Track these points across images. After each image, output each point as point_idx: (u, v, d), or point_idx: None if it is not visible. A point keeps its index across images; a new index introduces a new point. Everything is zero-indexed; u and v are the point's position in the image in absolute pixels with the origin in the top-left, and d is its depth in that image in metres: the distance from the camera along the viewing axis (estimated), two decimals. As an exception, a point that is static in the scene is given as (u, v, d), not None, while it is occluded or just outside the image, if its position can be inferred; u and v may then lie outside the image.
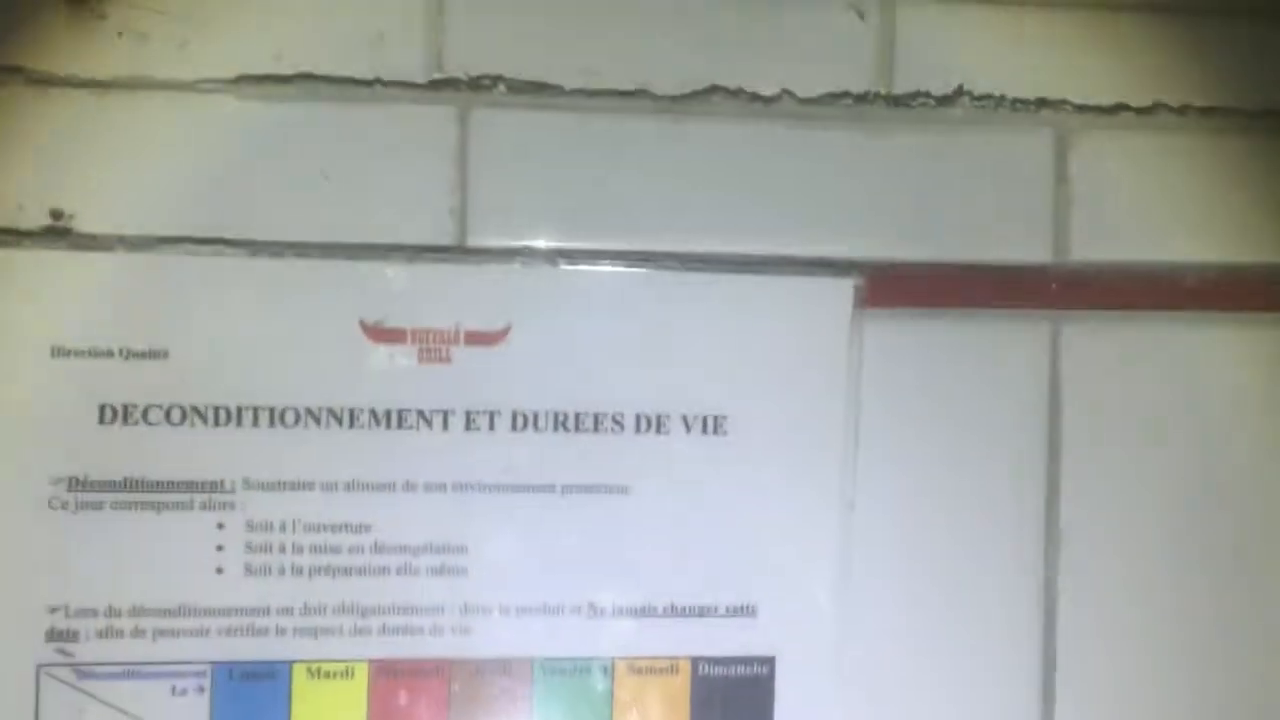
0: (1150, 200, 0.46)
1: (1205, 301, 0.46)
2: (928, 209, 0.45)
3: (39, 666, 0.41)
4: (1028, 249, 0.45)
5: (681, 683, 0.45)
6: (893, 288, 0.45)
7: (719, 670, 0.45)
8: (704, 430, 0.44)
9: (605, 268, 0.43)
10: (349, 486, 0.42)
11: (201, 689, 0.42)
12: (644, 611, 0.44)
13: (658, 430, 0.44)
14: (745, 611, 0.45)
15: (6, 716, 0.40)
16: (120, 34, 0.41)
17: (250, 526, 0.42)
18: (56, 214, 0.41)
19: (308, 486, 0.42)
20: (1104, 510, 0.46)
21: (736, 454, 0.45)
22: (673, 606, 0.44)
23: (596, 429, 0.44)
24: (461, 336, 0.43)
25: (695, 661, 0.45)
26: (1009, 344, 0.46)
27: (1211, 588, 0.46)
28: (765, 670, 0.45)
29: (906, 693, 0.46)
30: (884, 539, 0.45)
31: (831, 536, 0.45)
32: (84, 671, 0.41)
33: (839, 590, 0.45)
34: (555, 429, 0.43)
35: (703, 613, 0.45)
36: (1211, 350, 0.46)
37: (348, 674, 0.43)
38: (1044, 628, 0.46)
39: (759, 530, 0.45)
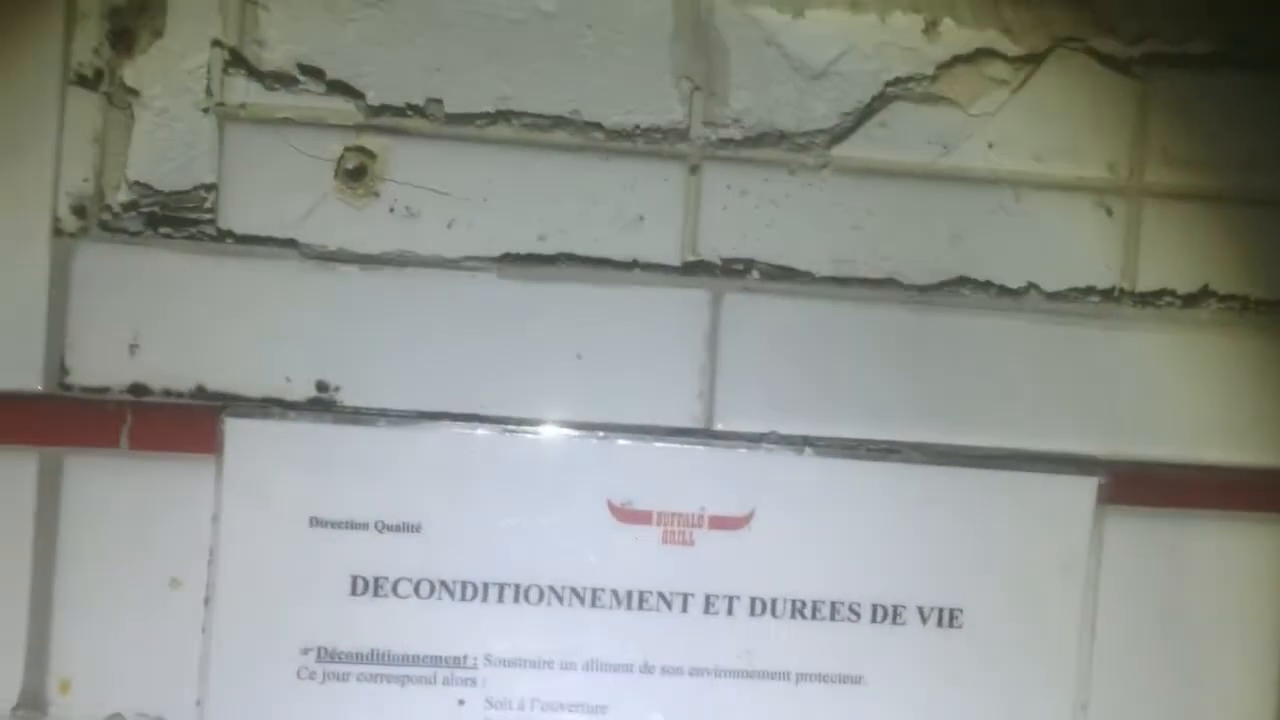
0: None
1: None
2: (1170, 409, 0.49)
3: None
4: (1267, 453, 0.49)
5: None
6: (1135, 487, 0.48)
7: None
8: (939, 623, 0.48)
9: (849, 460, 0.47)
10: (588, 666, 0.46)
11: None
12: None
13: (894, 620, 0.48)
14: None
15: None
16: (391, 210, 0.46)
17: (490, 704, 0.45)
18: (322, 386, 0.45)
19: (548, 665, 0.46)
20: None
21: (971, 648, 0.48)
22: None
23: (834, 617, 0.47)
24: (706, 520, 0.47)
25: None
26: (1243, 546, 0.49)
27: None
28: None
29: None
30: (1116, 741, 0.48)
31: (1063, 736, 0.48)
32: None
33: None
34: (793, 615, 0.47)
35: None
36: None
37: None
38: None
39: (991, 725, 0.48)
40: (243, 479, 0.43)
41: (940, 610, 0.47)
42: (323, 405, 0.44)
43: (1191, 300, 0.48)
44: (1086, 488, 0.47)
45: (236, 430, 0.43)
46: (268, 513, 0.44)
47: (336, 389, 0.44)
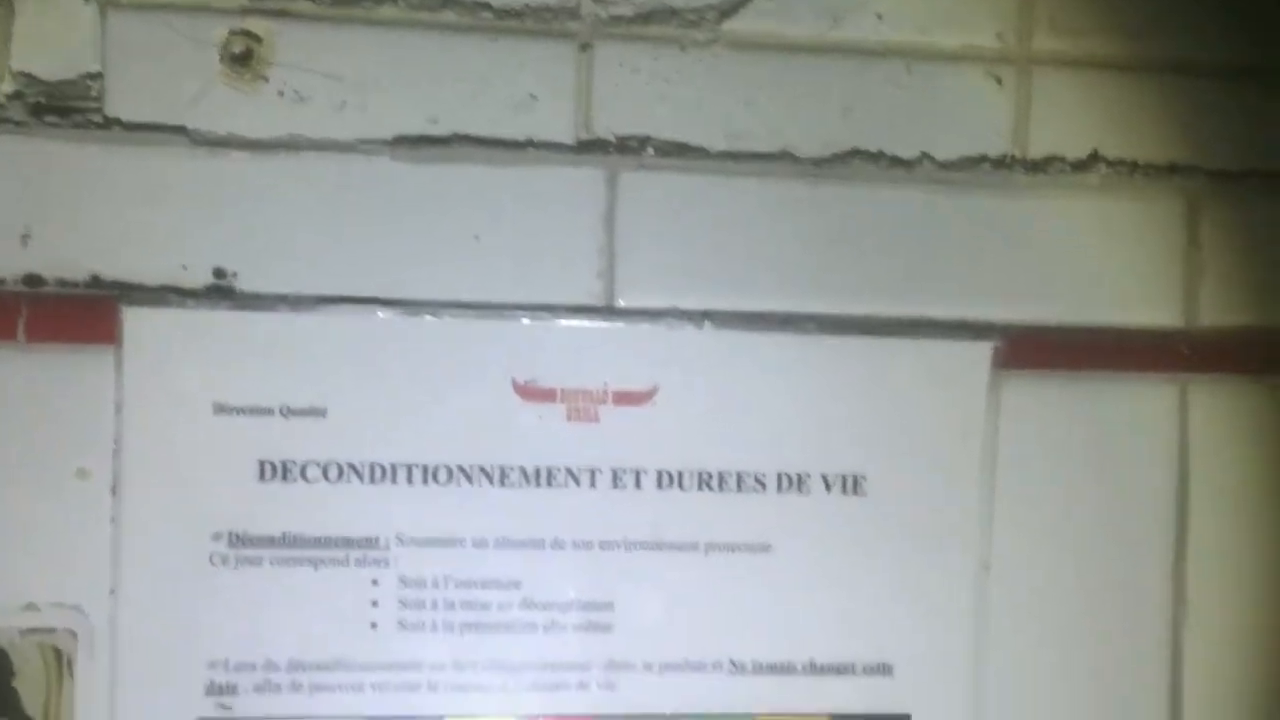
0: (1277, 266, 0.52)
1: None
2: (1063, 273, 0.51)
3: (199, 720, 0.46)
4: (1158, 313, 0.52)
5: (819, 739, 0.50)
6: (1029, 350, 0.51)
7: (855, 726, 0.50)
8: (843, 490, 0.50)
9: (749, 332, 0.49)
10: (499, 543, 0.48)
11: (355, 732, 0.47)
12: (784, 669, 0.50)
13: (799, 489, 0.50)
14: (882, 670, 0.50)
15: (168, 769, 0.45)
16: (280, 94, 0.47)
17: (404, 582, 0.47)
18: (219, 273, 0.46)
19: (459, 543, 0.47)
20: (1230, 572, 0.52)
21: (875, 514, 0.50)
22: (812, 664, 0.50)
23: (740, 488, 0.49)
24: (610, 396, 0.48)
25: (834, 718, 0.50)
26: (1139, 406, 0.52)
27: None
28: (900, 728, 0.51)
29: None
30: (1018, 598, 0.51)
31: (966, 596, 0.51)
32: (242, 726, 0.46)
33: (974, 649, 0.51)
34: (700, 488, 0.49)
35: (841, 670, 0.50)
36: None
37: (498, 730, 0.48)
38: (1170, 685, 0.52)
39: (896, 589, 0.50)
40: (144, 368, 0.44)
41: (844, 478, 0.49)
42: (221, 292, 0.45)
43: (1081, 165, 0.50)
44: (981, 352, 0.49)
45: (135, 319, 0.44)
46: (171, 401, 0.45)
47: (234, 275, 0.45)
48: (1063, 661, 0.50)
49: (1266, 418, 0.50)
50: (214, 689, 0.44)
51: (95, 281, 0.44)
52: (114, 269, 0.44)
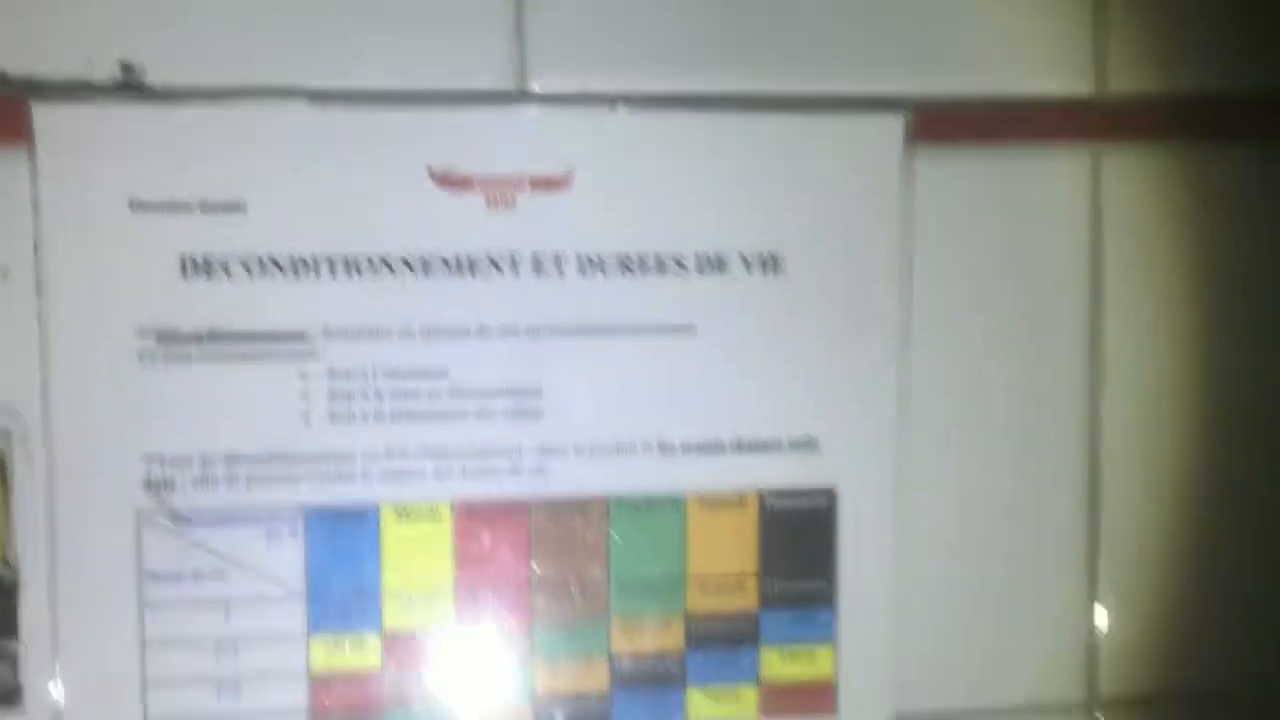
0: (1189, 28, 0.53)
1: (1243, 129, 0.53)
2: (972, 44, 0.52)
3: (138, 514, 0.47)
4: (1069, 81, 0.53)
5: (749, 515, 0.52)
6: (941, 123, 0.52)
7: (784, 502, 0.52)
8: (763, 270, 0.51)
9: (663, 113, 0.50)
10: (425, 333, 0.49)
11: (294, 532, 0.48)
12: (712, 448, 0.51)
13: (719, 270, 0.51)
14: (807, 445, 0.52)
15: (110, 563, 0.47)
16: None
17: (332, 374, 0.48)
18: (127, 67, 0.47)
19: (385, 334, 0.49)
20: (1146, 337, 0.54)
21: (795, 292, 0.51)
22: (739, 442, 0.52)
23: (661, 271, 0.51)
24: (526, 182, 0.49)
25: (762, 494, 0.52)
26: (1052, 176, 0.53)
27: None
28: (827, 502, 0.53)
29: (963, 520, 0.54)
30: (939, 372, 0.52)
31: (888, 371, 0.52)
32: (182, 518, 0.48)
33: (897, 423, 0.52)
34: (621, 272, 0.50)
35: (767, 447, 0.52)
36: (1251, 177, 0.54)
37: (433, 515, 0.49)
38: (1089, 450, 0.54)
39: (818, 366, 0.52)
40: (58, 166, 0.45)
41: (763, 257, 0.50)
42: (130, 86, 0.45)
43: (988, -67, 0.50)
44: (893, 126, 0.50)
45: (45, 117, 0.45)
46: (87, 199, 0.45)
47: (142, 68, 0.45)
48: (984, 431, 0.51)
49: (1178, 184, 0.51)
50: (152, 484, 0.45)
51: (3, 79, 0.44)
52: (18, 65, 0.44)
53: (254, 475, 0.46)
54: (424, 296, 0.47)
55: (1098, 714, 0.53)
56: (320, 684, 0.47)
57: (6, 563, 0.45)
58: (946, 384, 0.51)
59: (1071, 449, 0.52)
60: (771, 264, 0.49)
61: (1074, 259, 0.51)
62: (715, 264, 0.49)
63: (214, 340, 0.46)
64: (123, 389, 0.45)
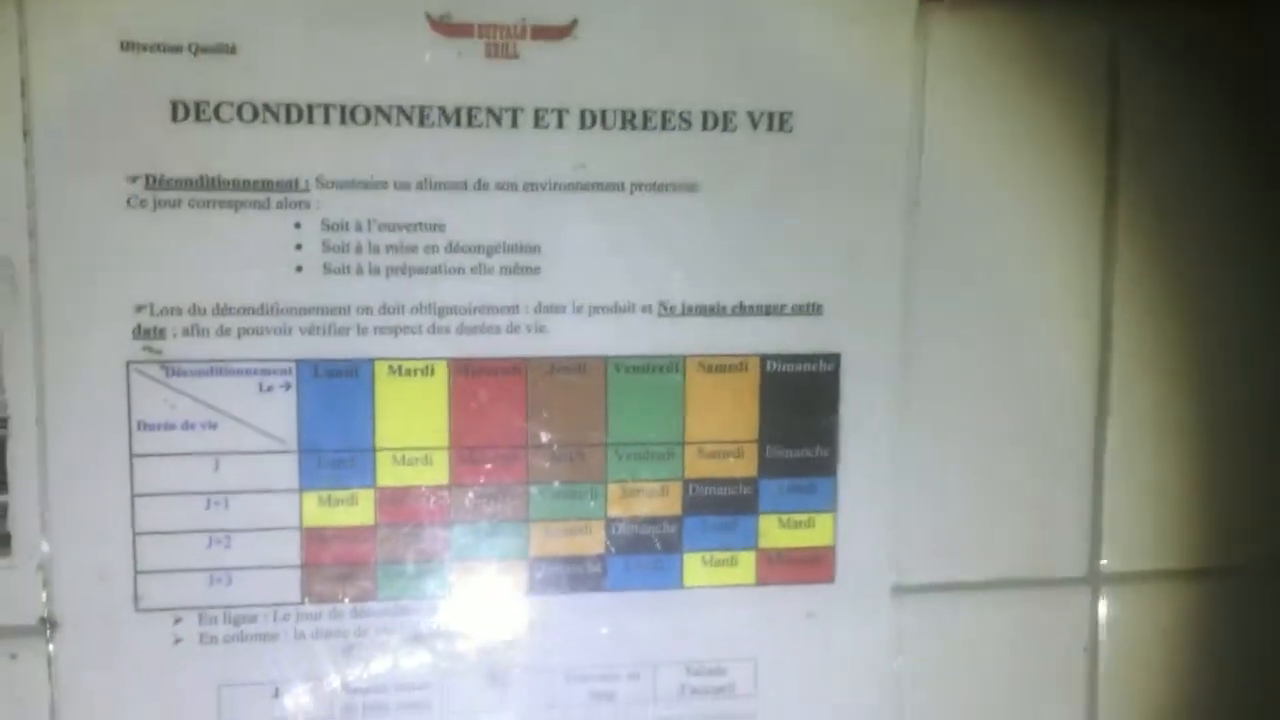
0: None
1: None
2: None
3: (128, 364, 0.47)
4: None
5: (751, 380, 0.52)
6: (958, -20, 0.50)
7: (787, 367, 0.52)
8: (770, 127, 0.50)
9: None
10: (421, 185, 0.48)
11: (288, 386, 0.48)
12: (713, 310, 0.51)
13: (724, 128, 0.50)
14: (811, 309, 0.51)
15: (100, 413, 0.46)
16: None
17: (327, 225, 0.48)
18: (116, -96, 0.45)
19: (381, 185, 0.48)
20: (1165, 204, 0.53)
21: (803, 152, 0.50)
22: (741, 305, 0.51)
23: (665, 126, 0.50)
24: (528, 31, 0.48)
25: (764, 359, 0.51)
26: (1068, 34, 0.52)
27: None
28: (831, 367, 0.52)
29: (968, 391, 0.53)
30: (946, 235, 0.52)
31: (896, 234, 0.51)
32: (173, 369, 0.47)
33: (903, 288, 0.52)
34: (624, 126, 0.49)
35: (770, 311, 0.51)
36: (1267, 34, 0.53)
37: (428, 372, 0.49)
38: (1100, 325, 0.54)
39: (825, 229, 0.51)
40: (46, 3, 0.44)
41: (771, 115, 0.49)
42: (119, -78, 0.44)
43: None
44: (908, -20, 0.49)
45: (30, -51, 0.43)
46: (76, 38, 0.44)
47: (131, -96, 0.44)
48: (991, 297, 0.50)
49: (1198, 43, 0.50)
50: (141, 332, 0.45)
51: (-14, -90, 0.42)
52: (3, -106, 0.42)
53: (245, 326, 0.46)
54: (421, 148, 0.46)
55: (1099, 589, 0.52)
56: (312, 538, 0.47)
57: (-5, 409, 0.44)
58: (954, 246, 0.50)
59: (1081, 316, 0.51)
60: (779, 122, 0.48)
61: (1092, 122, 0.50)
62: (722, 121, 0.48)
63: (205, 187, 0.45)
64: (112, 235, 0.45)
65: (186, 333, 0.45)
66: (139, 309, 0.45)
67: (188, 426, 0.46)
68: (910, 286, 0.50)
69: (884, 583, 0.51)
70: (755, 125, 0.48)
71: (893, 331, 0.50)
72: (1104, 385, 0.52)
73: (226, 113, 0.45)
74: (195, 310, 0.45)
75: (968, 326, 0.51)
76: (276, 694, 0.47)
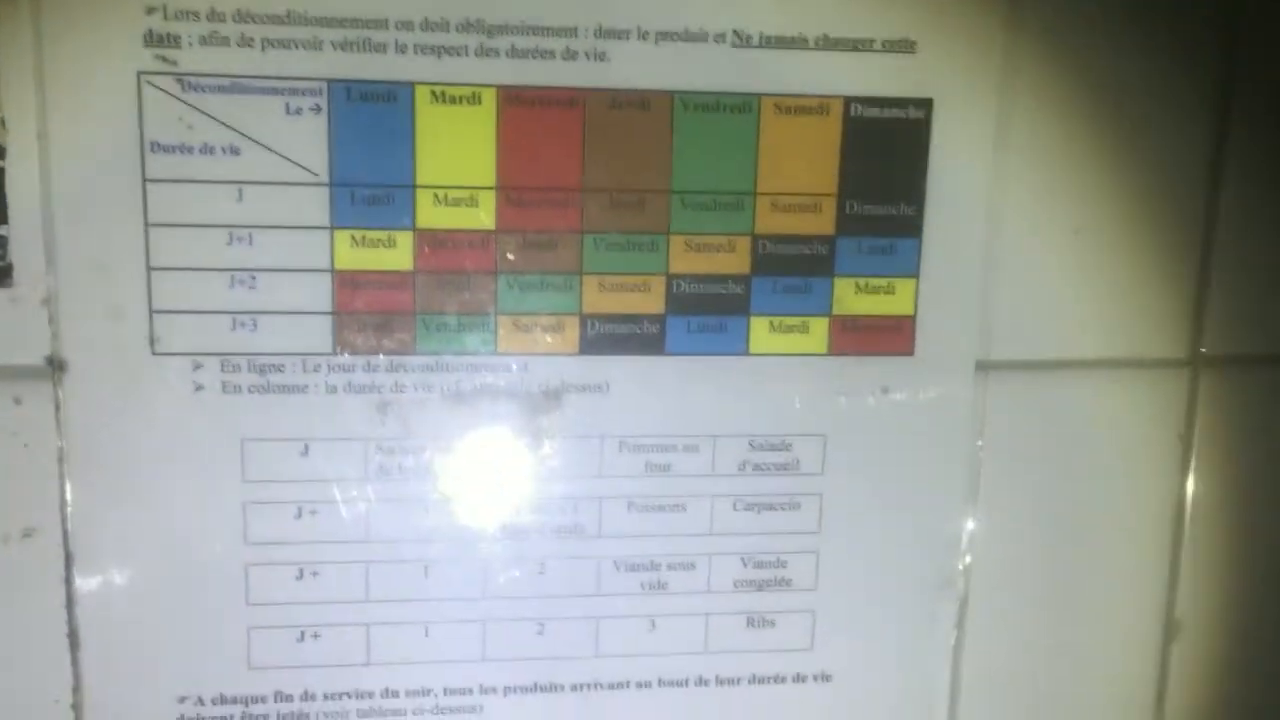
0: None
1: None
2: None
3: (139, 74, 0.42)
4: None
5: (832, 125, 0.46)
6: None
7: (873, 111, 0.47)
8: None
9: None
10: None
11: (318, 108, 0.43)
12: (794, 43, 0.45)
13: None
14: (904, 46, 0.46)
15: (109, 131, 0.42)
16: None
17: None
18: None
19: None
20: None
21: None
22: (825, 37, 0.46)
23: None
24: None
25: (848, 101, 0.46)
26: None
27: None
28: (922, 113, 0.47)
29: (1070, 147, 0.48)
30: None
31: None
32: (189, 83, 0.42)
33: (1006, 28, 0.46)
34: None
35: (857, 46, 0.46)
36: None
37: (474, 99, 0.44)
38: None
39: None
40: None
41: None
42: None
43: None
44: None
45: None
46: None
47: None
48: (1107, 39, 0.45)
49: None
50: (153, 39, 0.41)
51: None
52: None
53: (270, 37, 0.41)
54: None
55: (1199, 373, 0.48)
56: (345, 282, 0.42)
57: (-9, 122, 0.40)
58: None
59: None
60: None
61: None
62: None
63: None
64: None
65: (204, 41, 0.41)
66: (150, 10, 0.40)
67: (206, 150, 0.41)
68: (1015, 27, 0.44)
69: (968, 357, 0.47)
70: None
71: (993, 76, 0.45)
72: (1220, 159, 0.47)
73: None
74: (214, 16, 0.41)
75: (1079, 68, 0.45)
76: (305, 451, 0.43)
